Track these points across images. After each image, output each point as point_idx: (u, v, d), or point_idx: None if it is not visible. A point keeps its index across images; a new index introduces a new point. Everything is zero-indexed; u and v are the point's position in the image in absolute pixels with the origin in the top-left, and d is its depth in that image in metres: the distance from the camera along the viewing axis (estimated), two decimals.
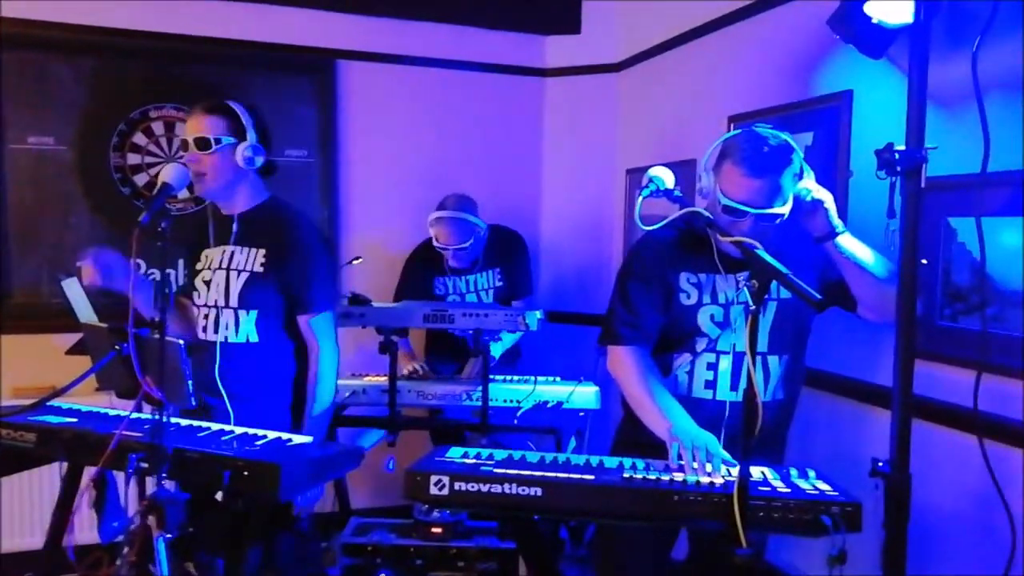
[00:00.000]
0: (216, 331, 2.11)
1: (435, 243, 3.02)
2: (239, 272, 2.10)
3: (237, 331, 2.10)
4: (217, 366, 2.10)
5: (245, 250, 2.12)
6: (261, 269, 2.09)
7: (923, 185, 1.59)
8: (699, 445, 1.64)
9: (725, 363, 1.83)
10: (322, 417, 2.14)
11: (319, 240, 2.19)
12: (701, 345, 1.84)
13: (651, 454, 1.74)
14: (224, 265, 2.13)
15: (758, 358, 1.82)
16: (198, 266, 2.18)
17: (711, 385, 1.85)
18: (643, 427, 1.84)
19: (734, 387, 1.83)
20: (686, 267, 1.84)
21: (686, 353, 1.85)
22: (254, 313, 2.10)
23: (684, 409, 1.79)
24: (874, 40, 1.90)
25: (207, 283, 2.14)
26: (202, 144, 2.04)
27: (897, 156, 1.54)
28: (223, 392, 2.09)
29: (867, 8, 1.83)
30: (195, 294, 2.18)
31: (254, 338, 2.11)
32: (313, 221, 2.22)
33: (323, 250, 2.19)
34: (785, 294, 1.84)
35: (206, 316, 2.14)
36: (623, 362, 1.86)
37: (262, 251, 2.10)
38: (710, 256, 1.83)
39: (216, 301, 2.12)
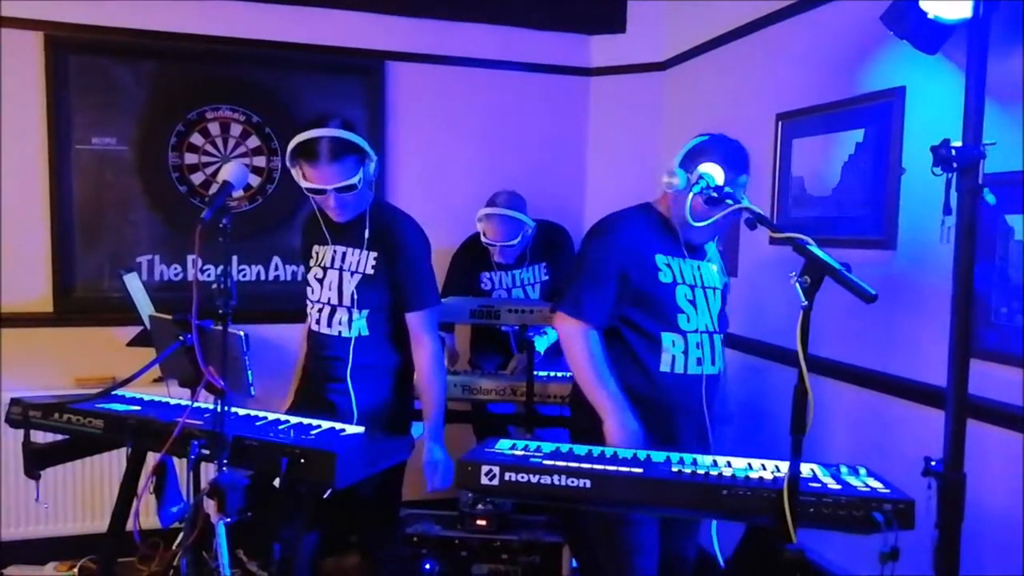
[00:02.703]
0: (330, 325, 2.20)
1: (483, 239, 3.05)
2: (352, 273, 2.18)
3: (350, 327, 2.18)
4: (350, 360, 2.19)
5: (357, 251, 2.19)
6: (372, 271, 2.17)
7: (980, 182, 1.57)
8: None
9: (706, 341, 2.02)
10: (443, 404, 2.22)
11: (424, 241, 2.26)
12: (684, 323, 1.99)
13: None
14: (337, 265, 2.21)
15: (719, 336, 2.06)
16: (311, 262, 2.28)
17: (701, 362, 2.01)
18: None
19: (713, 362, 2.04)
20: (659, 249, 2.02)
21: (676, 333, 1.98)
22: (366, 311, 2.18)
23: (669, 390, 1.99)
24: (929, 36, 1.87)
25: (320, 281, 2.23)
26: (347, 189, 2.08)
27: (954, 152, 1.53)
28: (348, 381, 2.19)
29: (923, 4, 1.81)
30: (308, 289, 2.27)
31: (365, 332, 2.19)
32: (416, 221, 2.28)
33: (428, 250, 2.26)
34: (720, 285, 2.10)
35: (319, 311, 2.23)
36: (584, 339, 1.99)
37: (374, 254, 2.17)
38: (676, 242, 2.04)
39: (330, 299, 2.20)
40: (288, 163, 2.14)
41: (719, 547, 1.92)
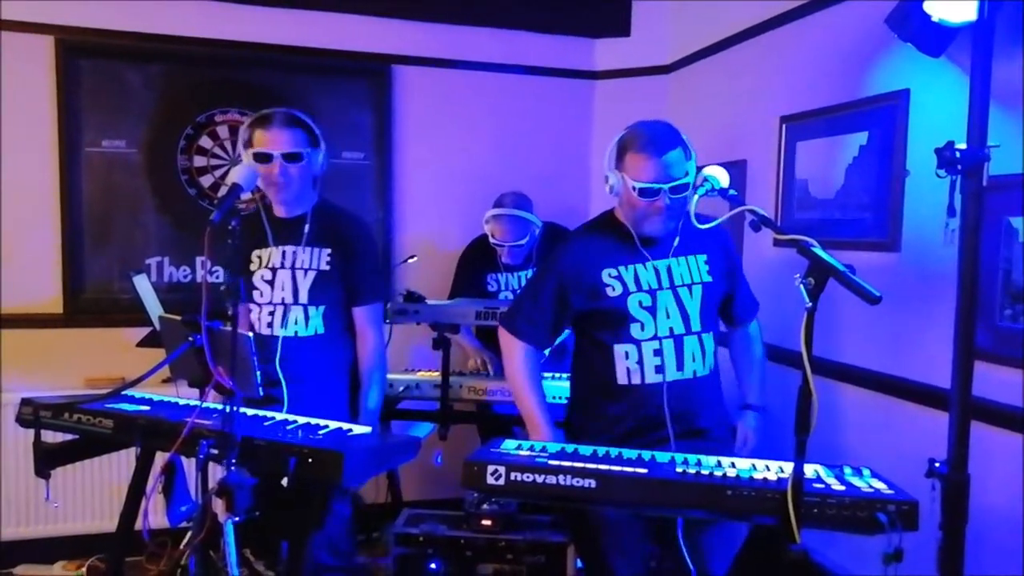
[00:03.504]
0: (284, 326, 2.21)
1: (491, 240, 3.07)
2: (306, 271, 2.21)
3: (307, 325, 2.20)
4: (278, 358, 2.21)
5: (309, 249, 2.22)
6: (327, 267, 2.20)
7: (984, 184, 1.58)
8: None
9: (668, 346, 1.95)
10: (380, 401, 2.25)
11: (373, 237, 2.34)
12: (637, 332, 1.94)
13: None
14: (288, 264, 2.22)
15: (694, 337, 1.97)
16: (252, 267, 2.27)
17: (660, 370, 1.94)
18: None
19: (679, 367, 1.96)
20: (606, 264, 1.98)
21: (628, 343, 1.95)
22: (322, 308, 2.21)
23: (628, 402, 1.95)
24: (934, 38, 1.88)
25: (269, 282, 2.24)
26: (293, 158, 2.15)
27: (958, 154, 1.53)
28: (283, 381, 2.21)
29: (927, 7, 1.82)
30: (255, 294, 2.26)
31: (321, 330, 2.22)
32: (363, 218, 2.35)
33: (376, 246, 2.35)
34: (707, 277, 2.01)
35: (271, 313, 2.23)
36: (515, 354, 2.07)
37: (327, 250, 2.21)
38: (632, 248, 1.99)
39: (283, 299, 2.21)
40: (242, 144, 2.19)
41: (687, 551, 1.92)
